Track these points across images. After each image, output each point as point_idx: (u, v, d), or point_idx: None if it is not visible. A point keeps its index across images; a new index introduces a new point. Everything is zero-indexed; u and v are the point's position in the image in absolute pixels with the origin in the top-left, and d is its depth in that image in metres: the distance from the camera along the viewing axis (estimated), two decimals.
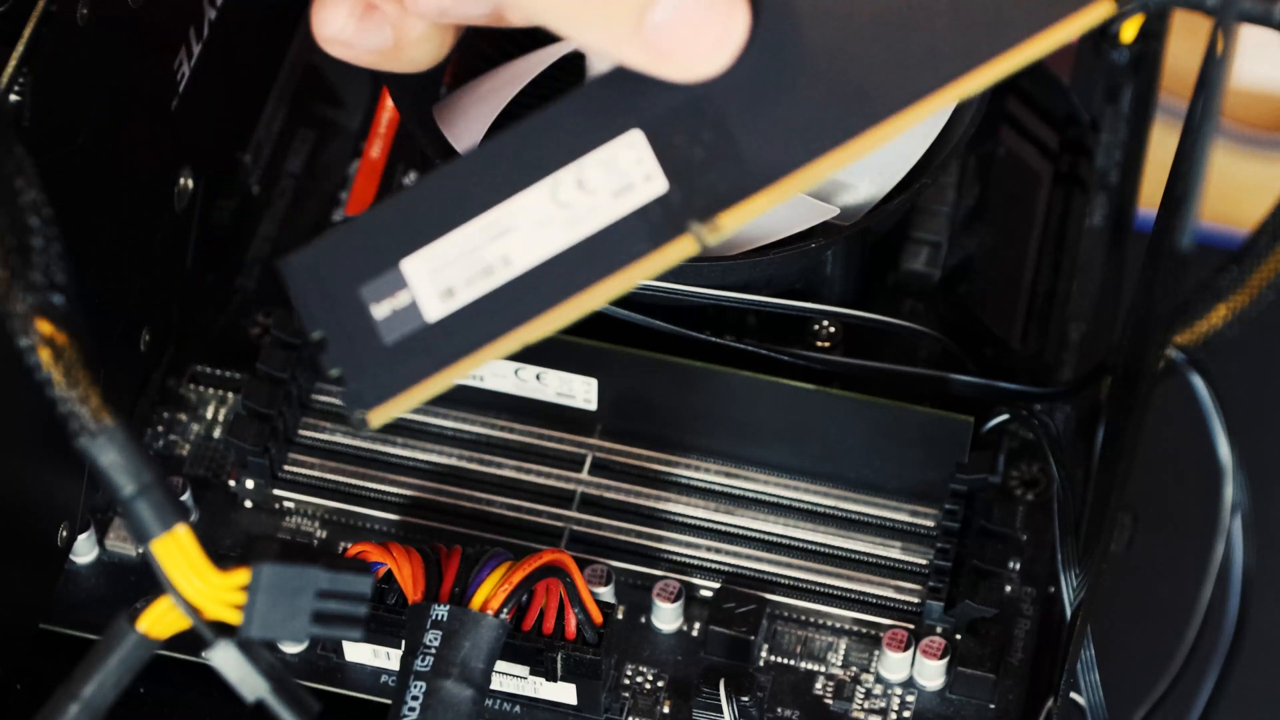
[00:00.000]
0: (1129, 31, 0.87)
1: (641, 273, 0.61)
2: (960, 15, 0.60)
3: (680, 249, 0.60)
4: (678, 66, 0.60)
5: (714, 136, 0.61)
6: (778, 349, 0.78)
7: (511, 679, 0.74)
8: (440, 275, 0.61)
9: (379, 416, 0.61)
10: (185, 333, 0.83)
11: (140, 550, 0.76)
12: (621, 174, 0.61)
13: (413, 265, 0.61)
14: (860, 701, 0.76)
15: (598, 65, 0.79)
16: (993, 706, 0.76)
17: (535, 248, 0.61)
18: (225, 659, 0.59)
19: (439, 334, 0.61)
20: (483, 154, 0.62)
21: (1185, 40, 0.93)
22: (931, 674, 0.76)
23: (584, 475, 0.80)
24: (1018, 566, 0.79)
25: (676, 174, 0.60)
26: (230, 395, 0.82)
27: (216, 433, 0.82)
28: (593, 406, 0.79)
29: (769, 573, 0.78)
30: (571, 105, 0.61)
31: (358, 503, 0.79)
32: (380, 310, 0.61)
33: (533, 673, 0.73)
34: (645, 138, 0.61)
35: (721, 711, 0.74)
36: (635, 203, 0.61)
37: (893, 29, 0.61)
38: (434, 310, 0.61)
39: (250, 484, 0.80)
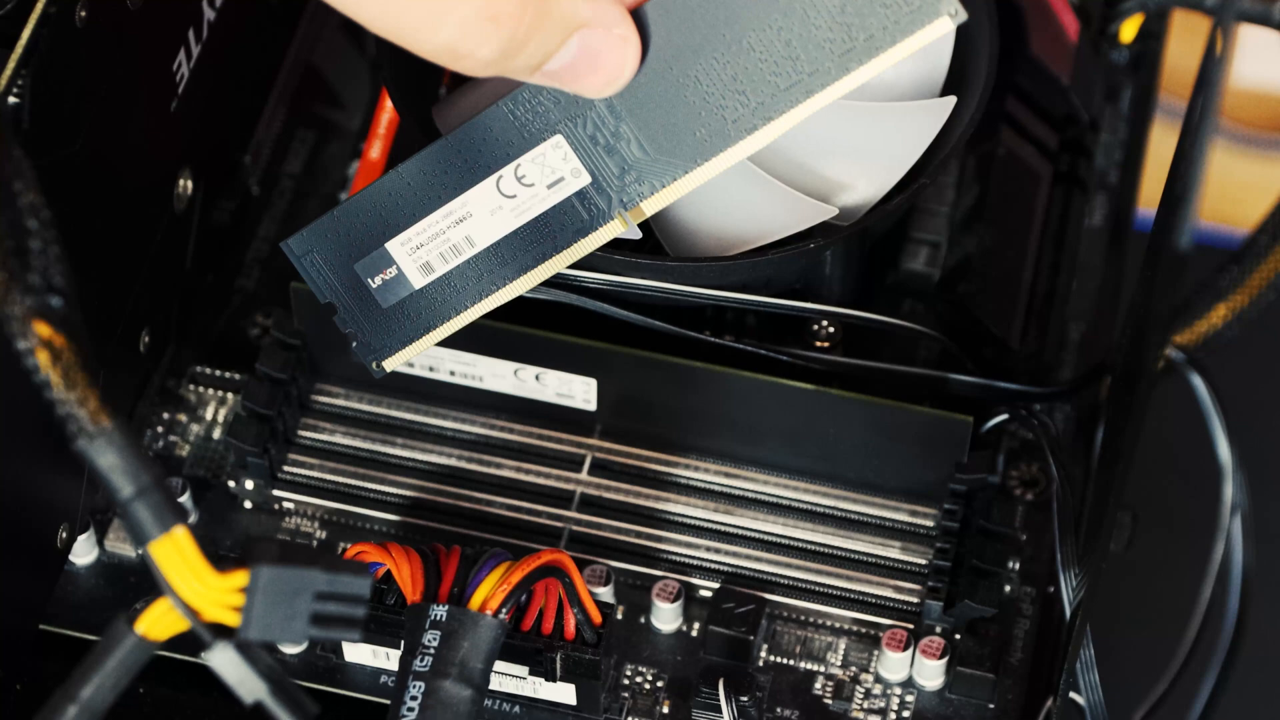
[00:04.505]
0: (1129, 31, 0.87)
1: (582, 249, 0.72)
2: (808, 42, 0.69)
3: (610, 230, 0.72)
4: (582, 89, 0.69)
5: (623, 137, 0.71)
6: (777, 349, 0.78)
7: (511, 679, 0.74)
8: (417, 254, 0.72)
9: (391, 364, 0.74)
10: (185, 333, 0.83)
11: (139, 552, 0.76)
12: (552, 170, 0.71)
13: (393, 247, 0.73)
14: (860, 701, 0.76)
15: None
16: (992, 706, 0.76)
17: (491, 230, 0.72)
18: (223, 661, 0.59)
19: (426, 299, 0.73)
20: (433, 154, 0.72)
21: (1185, 40, 0.93)
22: (931, 674, 0.76)
23: (583, 475, 0.80)
24: (1017, 566, 0.79)
25: (597, 169, 0.71)
26: (230, 396, 0.82)
27: (216, 433, 0.82)
28: (592, 407, 0.79)
29: (768, 573, 0.78)
30: (501, 115, 0.71)
31: (357, 503, 0.79)
32: (374, 282, 0.73)
33: (532, 673, 0.73)
34: (566, 141, 0.71)
35: (721, 711, 0.74)
36: (567, 192, 0.71)
37: (768, 41, 0.69)
38: (418, 281, 0.73)
39: (250, 485, 0.80)
